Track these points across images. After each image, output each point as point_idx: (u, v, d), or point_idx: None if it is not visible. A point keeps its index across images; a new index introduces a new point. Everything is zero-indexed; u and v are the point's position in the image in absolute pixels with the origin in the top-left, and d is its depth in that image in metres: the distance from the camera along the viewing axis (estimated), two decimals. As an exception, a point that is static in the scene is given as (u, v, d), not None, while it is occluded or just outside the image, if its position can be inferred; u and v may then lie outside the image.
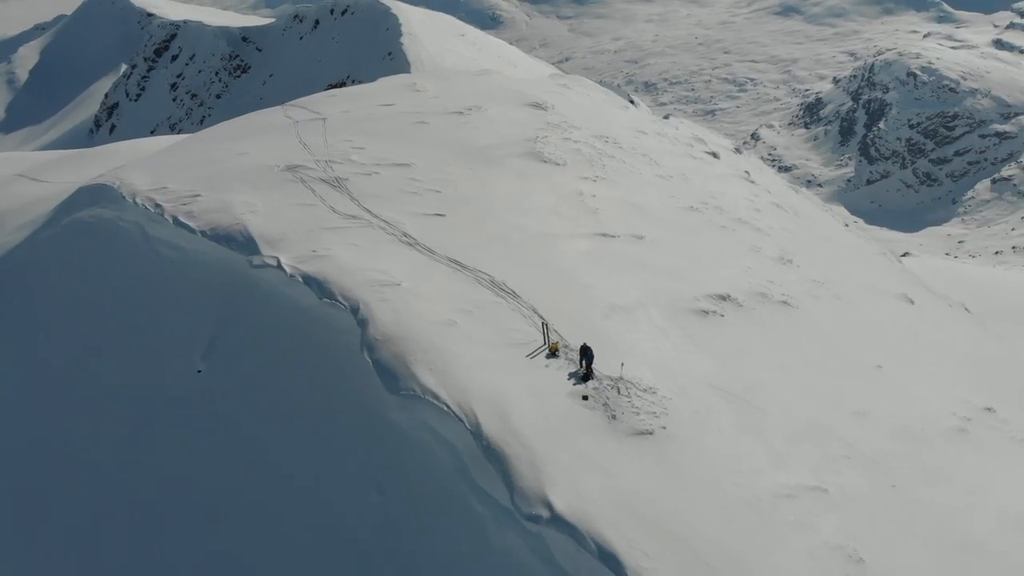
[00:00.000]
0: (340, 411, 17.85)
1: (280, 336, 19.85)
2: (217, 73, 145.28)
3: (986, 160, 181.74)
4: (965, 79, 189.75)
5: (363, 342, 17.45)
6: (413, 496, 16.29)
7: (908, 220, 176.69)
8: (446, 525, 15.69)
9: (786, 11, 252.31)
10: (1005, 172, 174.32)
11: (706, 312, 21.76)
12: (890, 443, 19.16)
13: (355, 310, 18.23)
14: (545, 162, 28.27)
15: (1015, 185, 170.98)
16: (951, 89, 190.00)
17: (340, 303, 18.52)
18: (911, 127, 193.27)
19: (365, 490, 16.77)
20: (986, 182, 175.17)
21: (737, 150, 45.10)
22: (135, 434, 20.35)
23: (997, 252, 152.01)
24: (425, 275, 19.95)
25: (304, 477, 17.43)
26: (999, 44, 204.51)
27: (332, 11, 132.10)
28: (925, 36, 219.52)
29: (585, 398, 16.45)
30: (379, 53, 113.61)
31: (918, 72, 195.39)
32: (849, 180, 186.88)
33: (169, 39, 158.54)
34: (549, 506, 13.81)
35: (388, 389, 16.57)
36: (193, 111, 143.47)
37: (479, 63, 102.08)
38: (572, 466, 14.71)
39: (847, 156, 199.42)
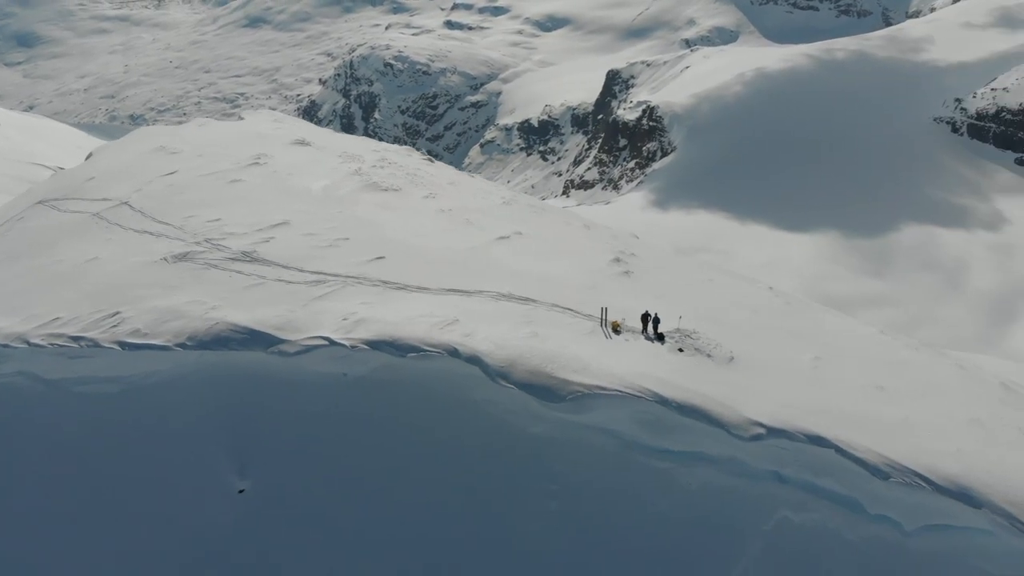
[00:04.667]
0: (471, 456, 18.18)
1: (345, 414, 19.05)
2: None
3: (470, 129, 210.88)
4: (433, 61, 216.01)
5: (491, 373, 18.28)
6: (587, 487, 18.16)
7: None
8: (633, 492, 18.04)
9: (253, 22, 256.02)
10: (488, 136, 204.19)
11: (626, 273, 26.28)
12: (789, 322, 26.15)
13: (453, 352, 18.75)
14: (387, 191, 29.37)
15: (498, 144, 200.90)
16: (424, 72, 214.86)
17: (432, 351, 18.75)
18: (402, 112, 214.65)
19: (540, 503, 17.99)
20: (476, 148, 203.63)
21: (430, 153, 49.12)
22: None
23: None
24: (457, 308, 20.89)
25: (480, 525, 17.57)
26: (450, 25, 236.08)
27: None
28: (387, 28, 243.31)
29: (680, 350, 20.00)
30: None
31: (393, 62, 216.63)
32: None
33: None
34: (761, 424, 17.41)
35: (549, 400, 17.94)
36: None
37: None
38: (735, 395, 18.37)
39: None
